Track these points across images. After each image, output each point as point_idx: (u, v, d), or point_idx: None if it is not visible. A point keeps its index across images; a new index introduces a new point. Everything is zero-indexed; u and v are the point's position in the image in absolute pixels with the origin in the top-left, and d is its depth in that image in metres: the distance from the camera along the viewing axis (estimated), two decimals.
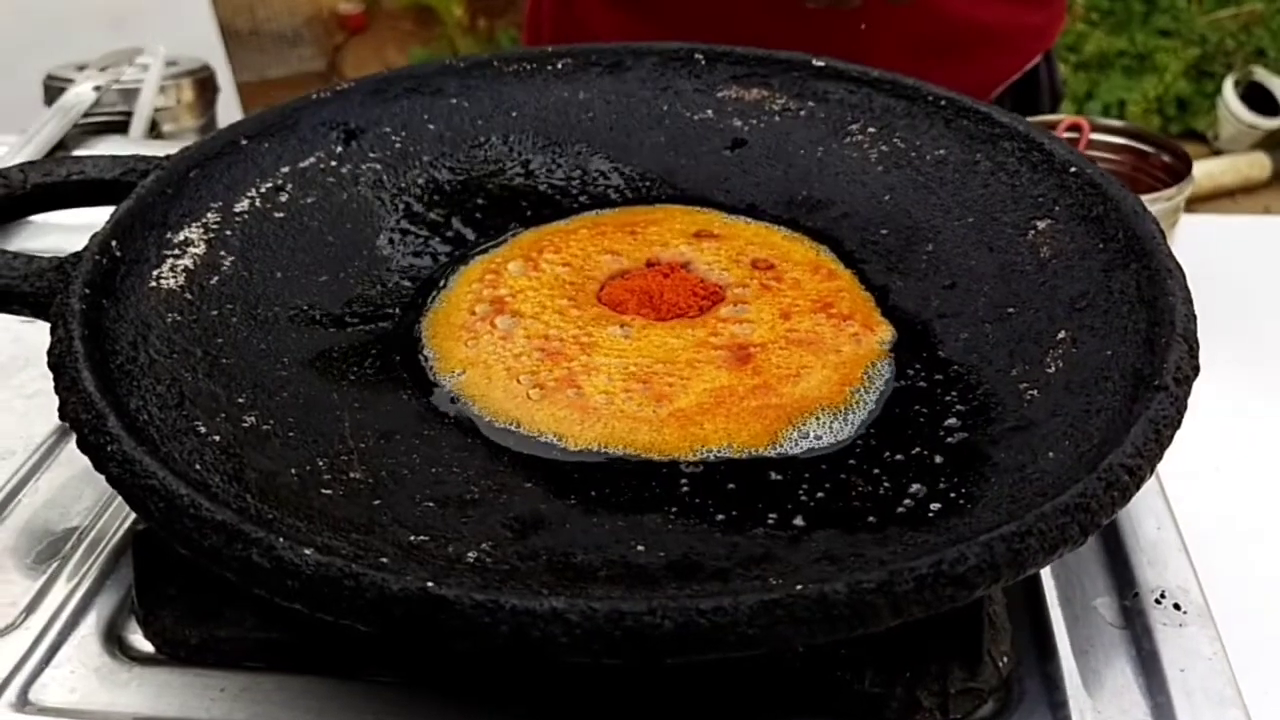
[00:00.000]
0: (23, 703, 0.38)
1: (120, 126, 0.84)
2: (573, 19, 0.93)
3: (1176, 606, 0.40)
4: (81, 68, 0.88)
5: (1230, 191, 2.40)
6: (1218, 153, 2.48)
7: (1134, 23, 2.63)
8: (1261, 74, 2.44)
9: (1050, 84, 0.98)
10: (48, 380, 0.39)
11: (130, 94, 0.86)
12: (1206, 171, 2.33)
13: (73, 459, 0.47)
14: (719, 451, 0.41)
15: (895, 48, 0.84)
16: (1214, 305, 0.48)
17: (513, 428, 0.42)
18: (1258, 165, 2.40)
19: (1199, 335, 0.40)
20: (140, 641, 0.40)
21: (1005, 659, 0.38)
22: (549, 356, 0.44)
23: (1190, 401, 0.38)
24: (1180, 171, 0.70)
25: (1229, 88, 2.44)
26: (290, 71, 2.97)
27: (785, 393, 0.43)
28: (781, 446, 0.41)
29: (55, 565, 0.43)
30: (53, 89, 0.91)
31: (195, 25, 1.84)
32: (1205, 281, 0.46)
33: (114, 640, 0.40)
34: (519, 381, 0.43)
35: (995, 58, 0.92)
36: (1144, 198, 0.64)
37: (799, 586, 0.31)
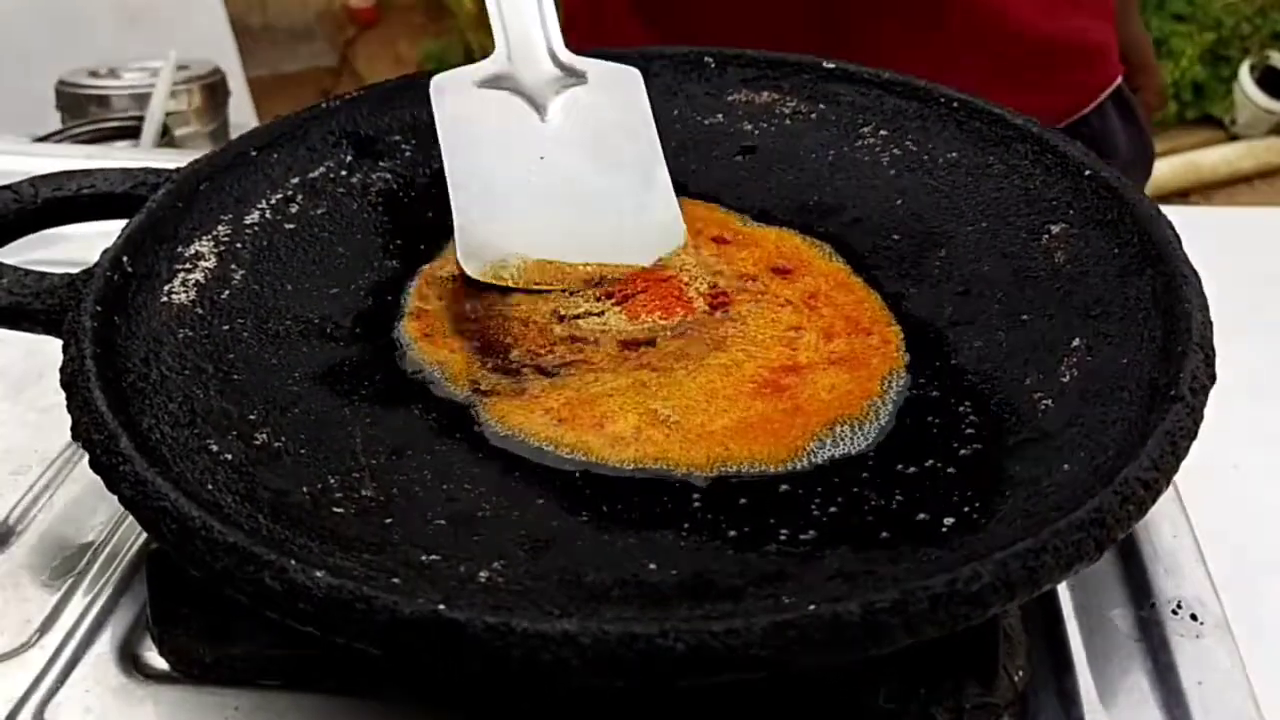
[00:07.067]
0: None
1: (133, 132, 0.84)
2: (605, 32, 0.92)
3: (1194, 617, 0.40)
4: (93, 73, 0.88)
5: (1248, 177, 2.38)
6: (1235, 138, 2.46)
7: (1149, 7, 2.61)
8: (1278, 58, 2.42)
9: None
10: (61, 394, 0.40)
11: (142, 99, 0.86)
12: (1224, 157, 2.31)
13: (87, 473, 0.47)
14: (741, 468, 0.41)
15: (968, 69, 0.81)
16: (1233, 299, 0.47)
17: (548, 447, 0.42)
18: (1275, 150, 2.38)
19: (1219, 332, 0.40)
20: (155, 659, 0.40)
21: (1021, 673, 0.38)
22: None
23: (1210, 398, 0.37)
24: None
25: (1245, 72, 2.42)
26: (302, 66, 2.97)
27: (813, 410, 0.43)
28: (801, 461, 0.41)
29: (70, 581, 0.43)
30: (64, 94, 0.91)
31: (207, 22, 1.84)
32: (1224, 276, 0.46)
33: (129, 658, 0.40)
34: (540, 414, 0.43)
35: (1072, 77, 0.85)
36: None
37: (812, 607, 0.31)
